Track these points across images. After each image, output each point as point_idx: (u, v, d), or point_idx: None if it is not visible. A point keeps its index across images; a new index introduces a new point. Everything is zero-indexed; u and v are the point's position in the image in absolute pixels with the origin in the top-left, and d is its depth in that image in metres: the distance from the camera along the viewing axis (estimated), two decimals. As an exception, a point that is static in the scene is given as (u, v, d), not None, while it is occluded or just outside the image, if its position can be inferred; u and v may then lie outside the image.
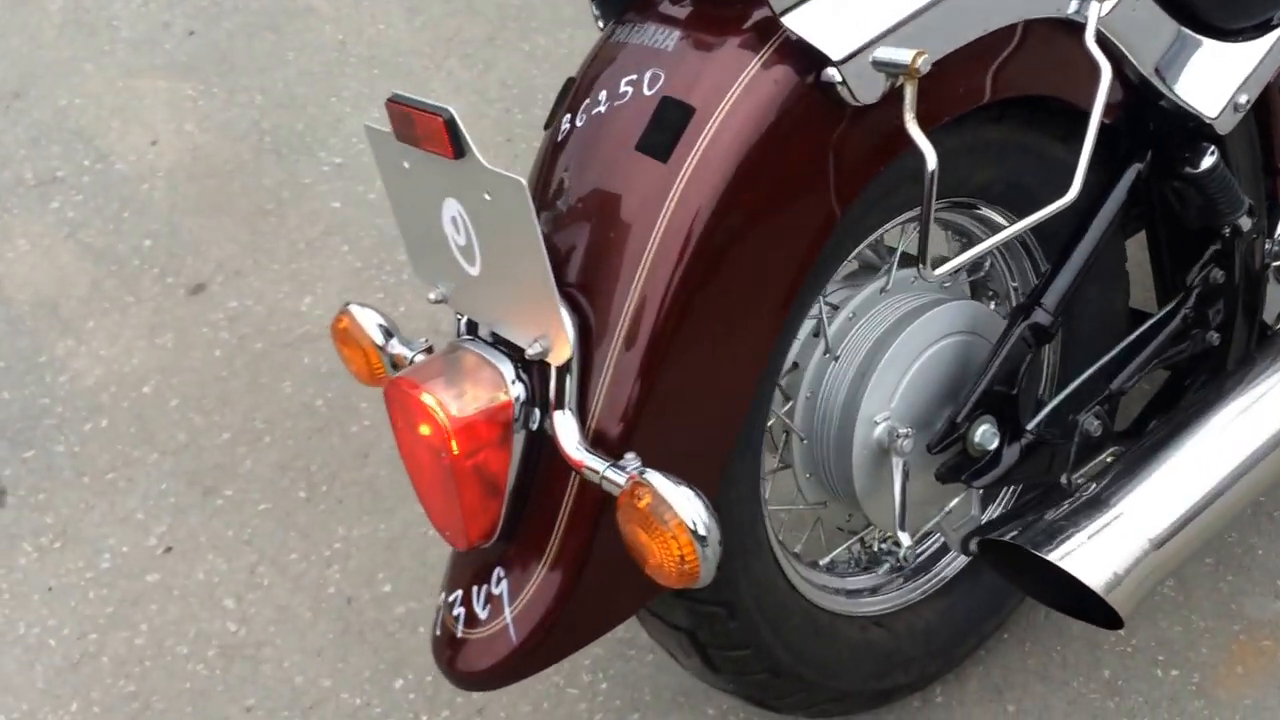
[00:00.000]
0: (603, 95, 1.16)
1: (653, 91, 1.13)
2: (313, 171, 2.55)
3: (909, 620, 1.54)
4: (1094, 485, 1.34)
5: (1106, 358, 1.48)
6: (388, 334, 1.30)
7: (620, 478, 1.04)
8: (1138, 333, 1.50)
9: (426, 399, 1.11)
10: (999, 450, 1.38)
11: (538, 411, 1.13)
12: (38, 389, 2.13)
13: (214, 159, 2.61)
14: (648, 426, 1.12)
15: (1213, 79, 1.38)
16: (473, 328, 1.21)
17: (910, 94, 1.10)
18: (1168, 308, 1.51)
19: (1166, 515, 1.31)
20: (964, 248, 1.48)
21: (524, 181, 0.99)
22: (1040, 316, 1.37)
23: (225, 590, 1.79)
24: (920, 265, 1.19)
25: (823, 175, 1.15)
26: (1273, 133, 1.52)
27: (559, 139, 1.19)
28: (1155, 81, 1.34)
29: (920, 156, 1.11)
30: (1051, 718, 1.58)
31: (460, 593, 1.22)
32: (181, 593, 1.79)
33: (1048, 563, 1.25)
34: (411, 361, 1.28)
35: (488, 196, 1.04)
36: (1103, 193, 1.41)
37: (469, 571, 1.22)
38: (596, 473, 1.07)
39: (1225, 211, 1.41)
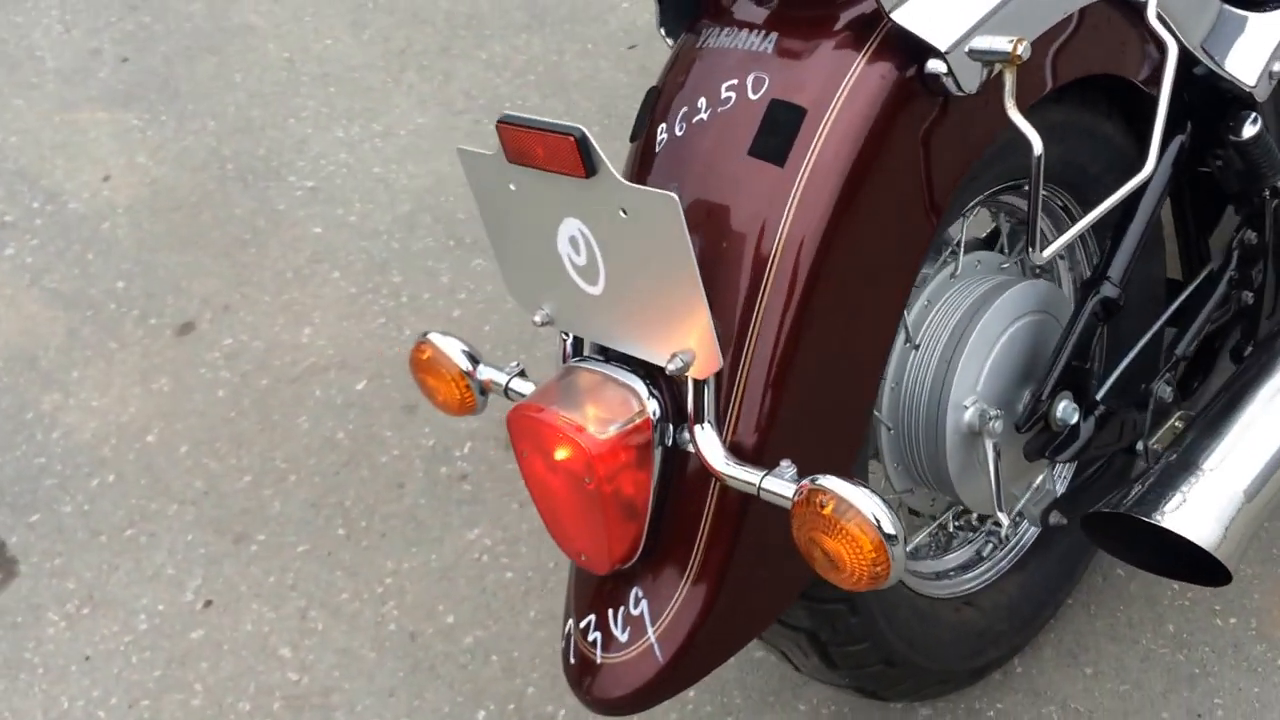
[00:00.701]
0: (702, 102, 1.14)
1: (759, 95, 1.11)
2: (285, 197, 2.46)
3: (994, 597, 1.55)
4: (1176, 449, 1.36)
5: (1156, 325, 1.51)
6: (474, 360, 1.27)
7: (786, 487, 1.02)
8: (1183, 298, 1.53)
9: (564, 424, 1.07)
10: (1077, 424, 1.39)
11: (672, 427, 1.11)
12: (30, 448, 2.02)
13: (176, 191, 2.50)
14: (783, 433, 1.11)
15: (1251, 50, 1.41)
16: (579, 347, 1.18)
17: (1010, 81, 1.11)
18: (1206, 271, 1.54)
19: (1253, 467, 1.33)
20: (1015, 228, 1.50)
21: (676, 197, 0.96)
22: (1109, 290, 1.39)
23: (278, 639, 1.71)
24: (1030, 249, 1.19)
25: (928, 168, 1.14)
26: None
27: (655, 149, 1.16)
28: (1201, 55, 1.37)
29: (1020, 142, 1.12)
30: (1128, 676, 1.60)
31: (593, 617, 1.18)
32: (232, 646, 1.71)
33: (1156, 528, 1.26)
34: (507, 387, 1.25)
35: (624, 214, 1.01)
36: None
37: (602, 595, 1.18)
38: (752, 484, 1.04)
39: (1268, 175, 1.44)
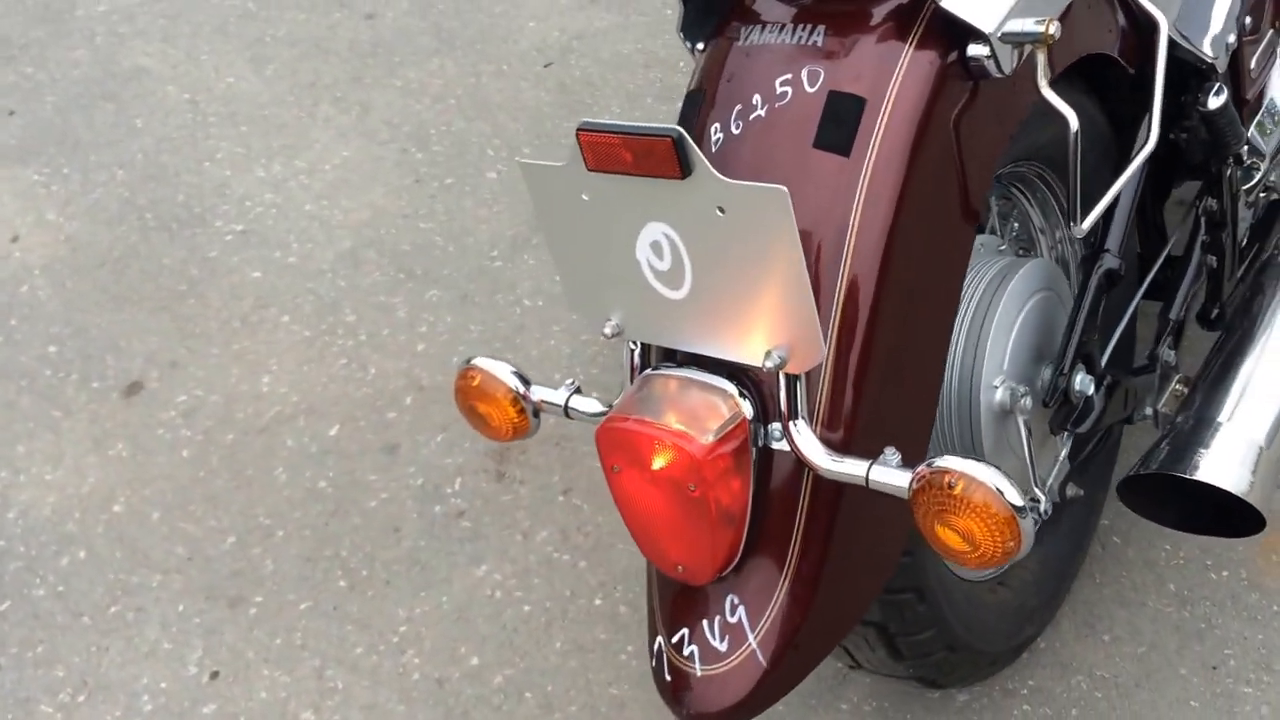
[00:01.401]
0: (756, 99, 1.14)
1: (816, 88, 1.11)
2: (216, 243, 2.36)
3: (1020, 574, 1.58)
4: (1189, 410, 1.42)
5: (1138, 296, 1.57)
6: (525, 381, 1.24)
7: (900, 475, 1.03)
8: (1157, 266, 1.59)
9: (664, 432, 1.06)
10: (1092, 395, 1.44)
11: (763, 427, 1.10)
12: (-16, 532, 1.89)
13: (95, 247, 2.37)
14: (868, 422, 1.12)
15: (1211, 23, 1.48)
16: (647, 355, 1.17)
17: (1042, 60, 1.14)
18: (1174, 238, 1.61)
19: (1265, 416, 1.40)
20: (1005, 208, 1.54)
21: (785, 189, 0.96)
22: (1110, 261, 1.43)
23: (298, 703, 1.64)
24: (1070, 223, 1.23)
25: (975, 150, 1.17)
26: (1240, 67, 1.65)
27: (710, 149, 1.16)
28: (1173, 34, 1.43)
29: (1054, 119, 1.15)
30: (1143, 638, 1.65)
31: (686, 630, 1.17)
32: (249, 718, 1.63)
33: (1191, 482, 1.31)
34: (567, 405, 1.23)
35: (721, 212, 1.00)
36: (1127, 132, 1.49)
37: (694, 606, 1.17)
38: (858, 476, 1.05)
39: (1230, 143, 1.51)
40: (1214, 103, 1.42)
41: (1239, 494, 1.30)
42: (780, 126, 1.12)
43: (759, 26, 1.17)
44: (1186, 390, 1.47)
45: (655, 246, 1.06)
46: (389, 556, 1.81)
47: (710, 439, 1.06)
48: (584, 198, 1.08)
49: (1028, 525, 1.00)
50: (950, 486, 1.00)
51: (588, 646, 1.67)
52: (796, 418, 1.07)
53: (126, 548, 1.85)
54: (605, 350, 2.08)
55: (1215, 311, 1.65)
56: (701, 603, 1.16)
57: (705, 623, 1.15)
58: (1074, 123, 1.15)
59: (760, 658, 1.13)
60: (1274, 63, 1.66)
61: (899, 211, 1.10)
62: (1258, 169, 1.63)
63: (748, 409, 1.08)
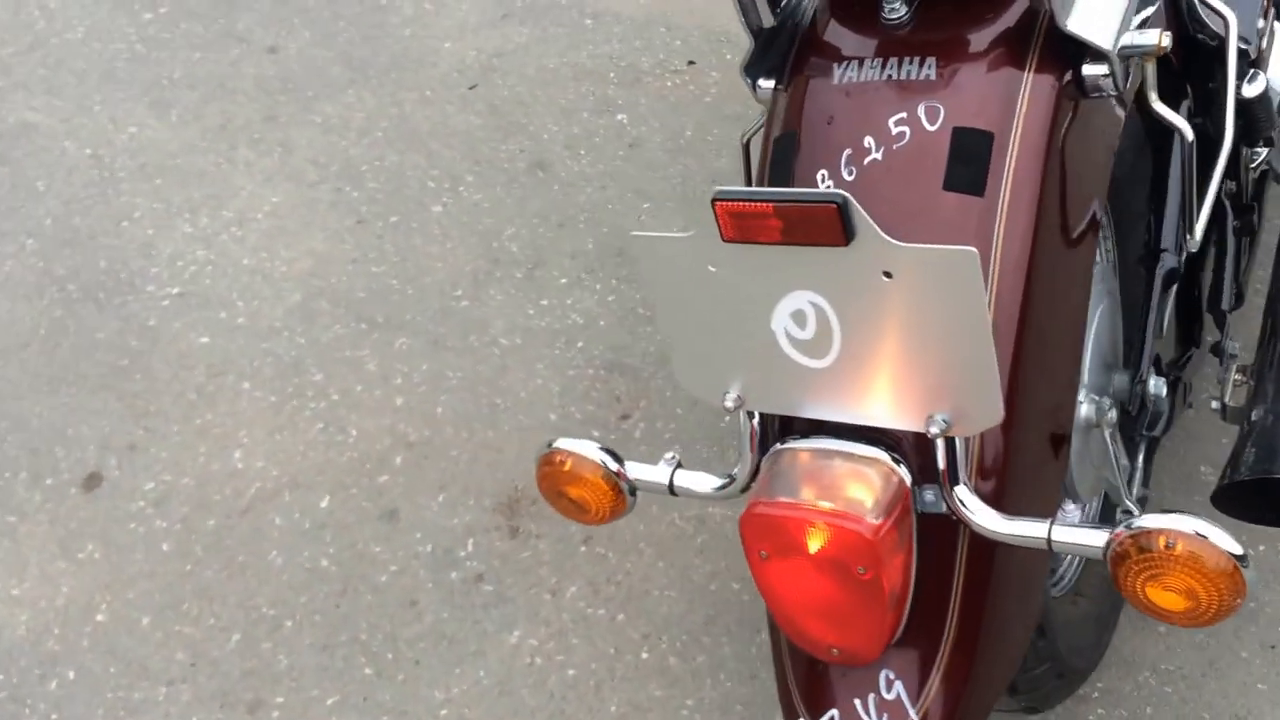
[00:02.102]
0: (869, 142, 1.07)
1: (937, 125, 1.06)
2: (152, 310, 2.19)
3: (1091, 580, 1.56)
4: (1261, 402, 1.40)
5: (1172, 288, 1.56)
6: (617, 458, 1.16)
7: (1093, 536, 0.98)
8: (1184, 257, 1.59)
9: (824, 513, 0.99)
10: (1164, 395, 1.42)
11: (917, 491, 1.05)
12: (-49, 661, 1.71)
13: (16, 326, 2.18)
14: (1016, 475, 1.07)
15: (1250, 10, 1.47)
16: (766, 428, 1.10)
17: (1151, 74, 1.11)
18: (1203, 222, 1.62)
19: None
20: None
21: (976, 251, 0.89)
22: (1170, 261, 1.42)
23: (346, 808, 1.52)
24: (1187, 234, 1.20)
25: (1091, 173, 1.13)
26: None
27: None
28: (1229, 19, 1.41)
29: (1172, 133, 1.13)
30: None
31: (835, 713, 1.10)
32: (295, 831, 1.51)
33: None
34: (673, 483, 1.15)
35: (887, 278, 0.93)
36: (1164, 131, 1.48)
37: (845, 685, 1.10)
38: (1039, 538, 0.99)
39: (1266, 128, 1.51)
40: (1252, 90, 1.41)
41: None
42: (902, 170, 1.06)
43: (854, 62, 1.10)
44: (1244, 379, 1.45)
45: (797, 315, 0.99)
46: (411, 634, 1.70)
47: (880, 517, 0.99)
48: (711, 269, 1.00)
49: (1250, 575, 0.96)
50: (1169, 547, 0.94)
51: (644, 705, 1.60)
52: (958, 482, 1.01)
53: (120, 661, 1.70)
54: (597, 385, 2.00)
55: (1235, 295, 1.65)
56: (852, 682, 1.09)
57: (858, 703, 1.09)
58: (1189, 134, 1.12)
59: None
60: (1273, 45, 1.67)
61: (1034, 252, 1.05)
62: (1262, 150, 1.64)
63: (906, 476, 1.02)
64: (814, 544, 1.00)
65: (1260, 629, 1.62)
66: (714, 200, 0.96)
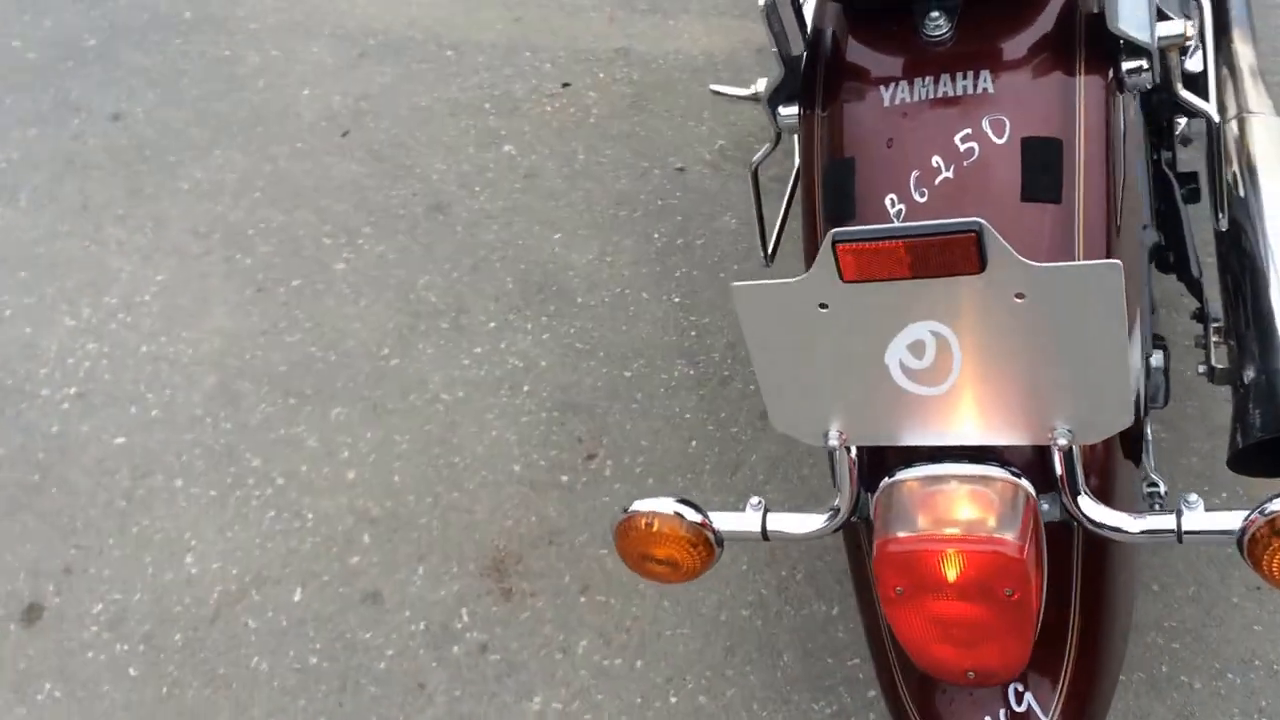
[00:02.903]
0: (937, 161, 1.07)
1: (1005, 138, 1.06)
2: (52, 415, 2.02)
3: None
4: (1250, 364, 1.47)
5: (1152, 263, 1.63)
6: (698, 509, 1.13)
7: (1226, 520, 1.00)
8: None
9: (967, 542, 0.98)
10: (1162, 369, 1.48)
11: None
12: (-86, 839, 1.54)
13: (-102, 455, 1.98)
14: (1114, 474, 1.09)
15: None
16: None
17: (1175, 61, 1.14)
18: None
19: None
20: None
21: (1119, 264, 0.90)
22: (1151, 235, 1.47)
23: None
24: (1218, 216, 1.24)
25: (1137, 162, 1.16)
26: None
27: (897, 221, 1.08)
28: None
29: (1200, 117, 1.17)
30: (1186, 580, 1.68)
31: None
32: None
33: None
34: (765, 528, 1.13)
35: (1020, 299, 0.93)
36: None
37: (973, 705, 1.10)
38: (1169, 532, 1.01)
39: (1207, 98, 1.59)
40: (1194, 65, 1.48)
41: None
42: (977, 186, 1.06)
43: (902, 83, 1.10)
44: (1221, 340, 1.52)
45: (915, 346, 0.98)
46: (437, 715, 1.62)
47: (1021, 536, 0.99)
48: (821, 310, 0.98)
49: None
50: None
51: (686, 750, 1.57)
52: (1079, 489, 1.02)
53: (112, 803, 1.56)
54: (554, 429, 1.95)
55: (1198, 261, 1.72)
56: (981, 701, 1.10)
57: (989, 719, 1.09)
58: (1216, 117, 1.15)
59: None
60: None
61: (1109, 250, 1.07)
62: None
63: (1029, 489, 1.02)
64: (954, 573, 0.99)
65: (1243, 572, 1.71)
66: (835, 243, 0.94)
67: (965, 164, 1.06)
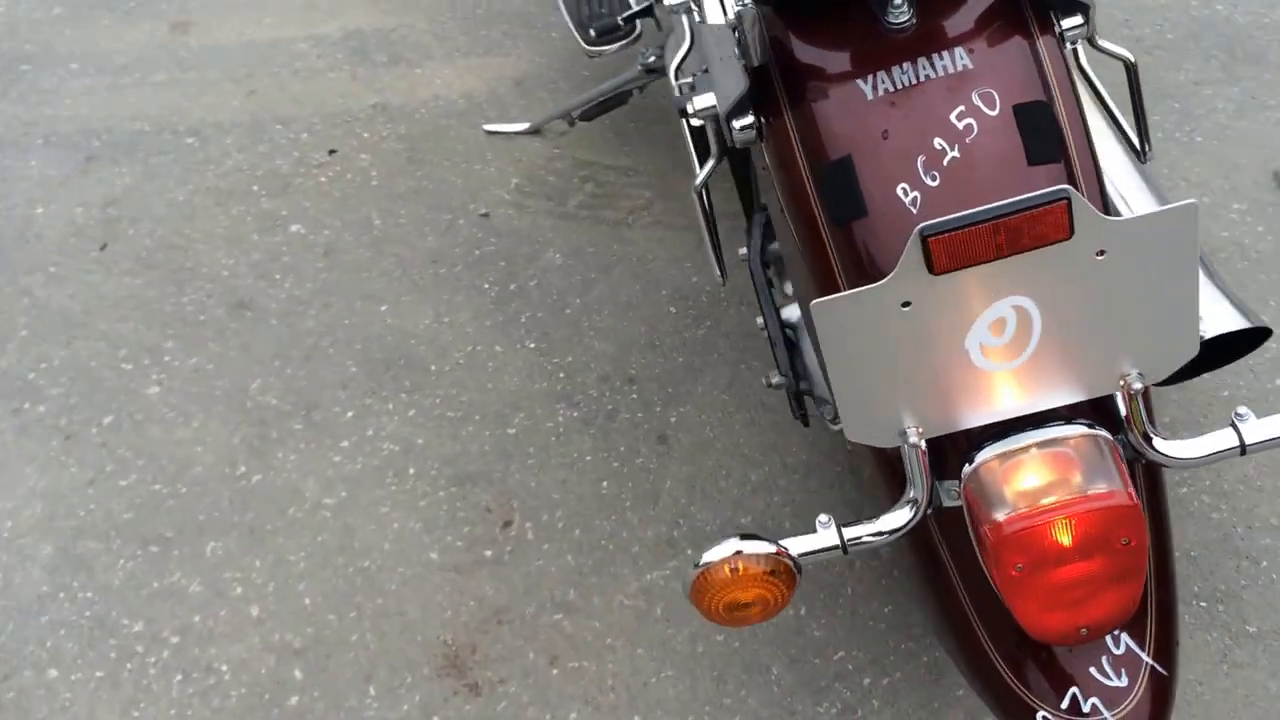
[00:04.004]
0: (938, 143, 1.08)
1: (997, 109, 1.09)
2: None
3: None
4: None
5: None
6: (770, 541, 1.10)
7: (1272, 427, 1.06)
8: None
9: (1078, 505, 1.00)
10: None
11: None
12: None
13: None
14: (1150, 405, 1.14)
15: None
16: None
17: (1093, 17, 1.21)
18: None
19: None
20: None
21: (1196, 202, 0.92)
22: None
23: None
24: (1144, 150, 1.30)
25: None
26: None
27: (911, 209, 1.08)
28: None
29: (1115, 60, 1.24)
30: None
31: (1076, 690, 1.12)
32: None
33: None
34: (844, 540, 1.11)
35: (1100, 255, 0.95)
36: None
37: (1073, 664, 1.13)
38: (1232, 449, 1.07)
39: None
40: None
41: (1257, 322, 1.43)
42: (985, 160, 1.07)
43: (879, 73, 1.10)
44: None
45: (996, 325, 0.98)
46: (442, 844, 1.48)
47: (1125, 484, 1.02)
48: (904, 310, 0.96)
49: None
50: None
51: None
52: (1147, 428, 1.05)
53: None
54: (458, 504, 1.83)
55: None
56: (1081, 655, 1.12)
57: (1094, 670, 1.12)
58: (1131, 58, 1.21)
59: (1160, 669, 1.12)
60: None
61: (1102, 196, 1.12)
62: None
63: (1108, 435, 1.05)
64: (1073, 537, 1.01)
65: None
66: (926, 237, 0.92)
67: (968, 140, 1.08)
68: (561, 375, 2.01)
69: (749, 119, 1.18)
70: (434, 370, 2.03)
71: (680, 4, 1.41)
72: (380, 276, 2.19)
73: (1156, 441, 1.06)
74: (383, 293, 2.16)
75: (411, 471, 1.89)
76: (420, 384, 2.01)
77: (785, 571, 1.09)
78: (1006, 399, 1.04)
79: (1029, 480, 1.04)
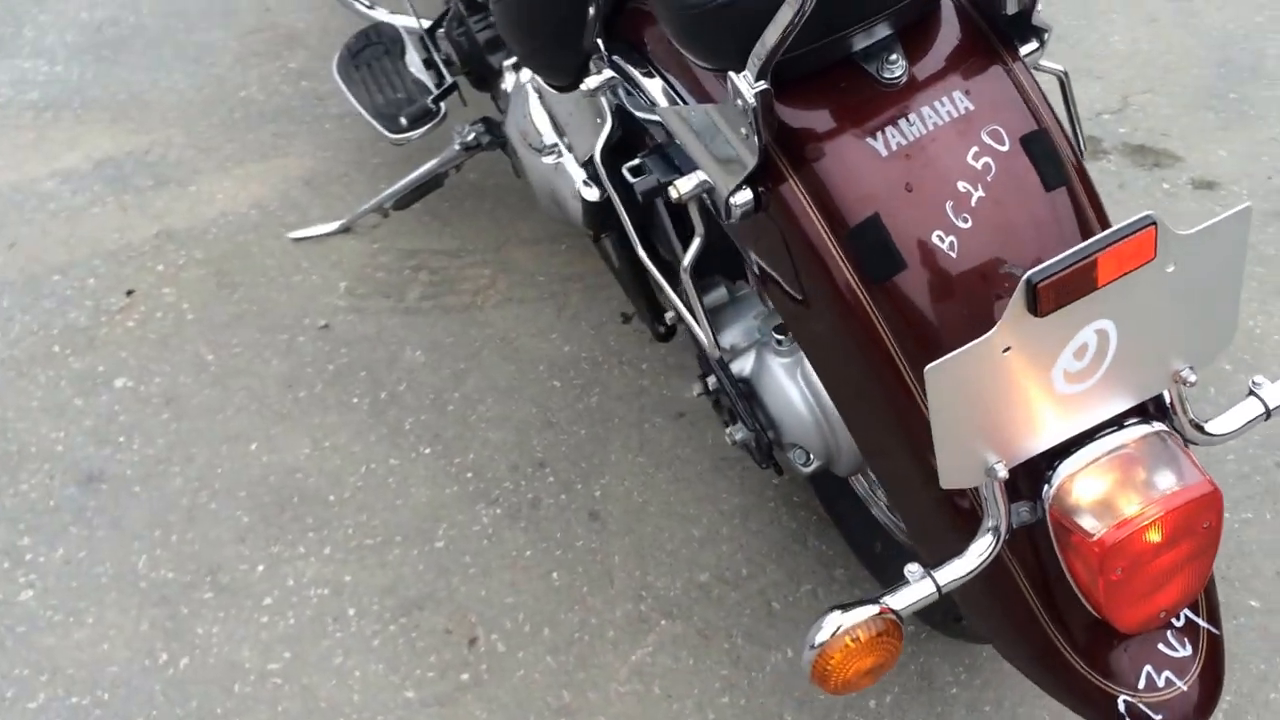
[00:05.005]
0: (962, 186, 1.13)
1: (1008, 145, 1.15)
2: None
3: None
4: None
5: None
6: (870, 601, 1.11)
7: None
8: None
9: (1172, 502, 1.08)
10: None
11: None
12: None
13: None
14: None
15: None
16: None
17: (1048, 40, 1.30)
18: None
19: None
20: None
21: (1250, 205, 1.01)
22: None
23: None
24: (1080, 155, 1.40)
25: None
26: None
27: (950, 253, 1.13)
28: None
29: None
30: None
31: (1149, 668, 1.19)
32: None
33: None
34: (938, 584, 1.13)
35: (1171, 269, 1.03)
36: None
37: (1144, 643, 1.20)
38: (1261, 412, 1.16)
39: None
40: None
41: None
42: (1009, 195, 1.13)
43: (889, 129, 1.14)
44: None
45: (1079, 351, 1.04)
46: None
47: (1200, 471, 1.10)
48: (1004, 353, 1.01)
49: None
50: None
51: None
52: (1187, 413, 1.15)
53: None
54: (414, 635, 1.74)
55: None
56: (1148, 636, 1.19)
57: (1161, 646, 1.20)
58: (1063, 70, 1.30)
59: (1213, 630, 1.21)
60: None
61: (1098, 208, 1.20)
62: None
63: (1163, 426, 1.13)
64: (1163, 533, 1.08)
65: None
66: (1036, 284, 0.97)
67: (989, 179, 1.14)
68: (469, 475, 1.94)
69: (748, 194, 1.19)
70: (333, 500, 1.92)
71: (602, 85, 1.41)
72: (237, 414, 2.04)
73: (1207, 425, 1.16)
74: (247, 431, 2.02)
75: (351, 612, 1.77)
76: (324, 518, 1.89)
77: (893, 629, 1.11)
78: (1080, 416, 1.11)
79: (1115, 488, 1.11)
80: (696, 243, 1.30)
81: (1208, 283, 1.07)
